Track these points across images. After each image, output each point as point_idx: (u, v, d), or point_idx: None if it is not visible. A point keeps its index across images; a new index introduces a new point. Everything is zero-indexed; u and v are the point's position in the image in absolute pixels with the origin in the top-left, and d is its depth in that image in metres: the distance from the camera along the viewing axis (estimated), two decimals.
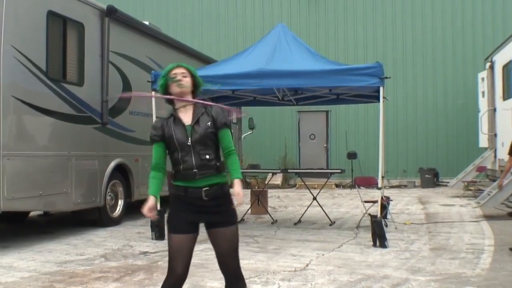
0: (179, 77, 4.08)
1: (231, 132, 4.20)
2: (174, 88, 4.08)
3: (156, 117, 9.60)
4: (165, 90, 4.16)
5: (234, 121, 17.66)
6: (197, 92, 4.22)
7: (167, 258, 3.98)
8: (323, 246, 8.56)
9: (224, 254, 3.97)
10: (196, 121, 4.02)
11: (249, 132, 18.08)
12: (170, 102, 4.19)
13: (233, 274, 4.00)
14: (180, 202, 3.99)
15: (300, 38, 11.24)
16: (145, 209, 4.03)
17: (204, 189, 3.93)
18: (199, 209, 3.95)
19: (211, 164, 3.98)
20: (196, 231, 3.99)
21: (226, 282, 4.05)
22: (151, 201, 4.05)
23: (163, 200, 9.23)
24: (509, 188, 11.98)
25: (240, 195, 4.00)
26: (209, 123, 4.02)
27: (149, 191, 4.08)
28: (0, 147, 8.00)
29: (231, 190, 4.08)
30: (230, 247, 3.97)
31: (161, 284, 4.05)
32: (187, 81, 4.11)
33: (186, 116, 4.07)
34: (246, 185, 17.83)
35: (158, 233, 9.17)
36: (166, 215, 4.09)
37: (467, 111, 20.95)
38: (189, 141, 3.96)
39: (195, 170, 3.94)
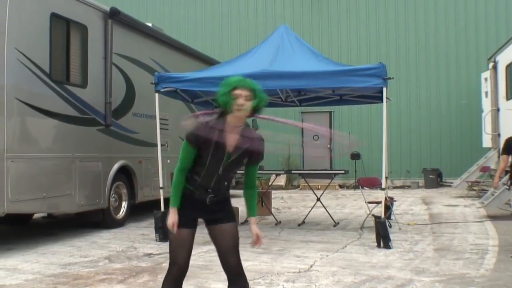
0: (241, 101, 3.76)
1: None
2: (235, 112, 3.80)
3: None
4: (227, 107, 3.83)
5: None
6: (256, 113, 3.94)
7: (169, 246, 4.03)
8: (327, 247, 8.56)
9: (226, 251, 4.03)
10: (236, 151, 3.93)
11: None
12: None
13: (235, 271, 4.03)
14: (184, 199, 4.02)
15: (303, 39, 11.25)
16: (172, 225, 3.95)
17: (210, 196, 4.01)
18: (200, 207, 4.03)
19: (225, 187, 4.09)
20: (196, 226, 4.09)
21: (228, 280, 4.08)
22: (175, 214, 3.97)
23: (166, 202, 9.27)
24: None
25: (260, 237, 4.11)
26: (245, 160, 4.03)
27: (172, 202, 3.98)
28: (4, 149, 8.02)
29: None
30: (231, 243, 4.03)
31: None
32: (247, 106, 3.80)
33: (231, 138, 3.90)
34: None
35: (162, 235, 9.18)
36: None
37: (471, 111, 20.94)
38: (221, 170, 3.96)
39: (209, 191, 3.99)
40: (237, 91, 3.79)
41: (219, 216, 4.05)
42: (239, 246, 4.09)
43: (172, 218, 3.96)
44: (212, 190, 4.00)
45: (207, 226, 4.10)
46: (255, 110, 3.87)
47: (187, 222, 4.00)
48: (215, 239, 4.06)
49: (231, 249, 4.02)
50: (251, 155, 4.03)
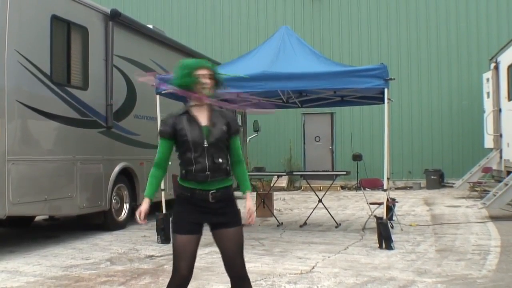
0: (206, 80, 3.98)
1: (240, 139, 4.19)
2: (200, 90, 3.98)
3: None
4: (187, 89, 4.03)
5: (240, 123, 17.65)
6: (216, 90, 4.14)
7: (172, 253, 3.98)
8: (329, 248, 8.54)
9: (230, 255, 3.96)
10: (213, 122, 3.99)
11: (254, 135, 18.07)
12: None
13: (239, 275, 3.98)
14: (185, 202, 3.98)
15: (304, 40, 11.24)
16: (139, 213, 4.04)
17: (211, 192, 3.94)
18: (204, 210, 3.96)
19: (223, 168, 4.00)
20: (200, 232, 4.00)
21: (232, 284, 4.03)
22: (145, 204, 4.08)
23: (168, 204, 9.25)
24: None
25: (252, 213, 4.13)
26: (224, 127, 4.00)
27: (146, 192, 4.11)
28: (5, 151, 8.01)
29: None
30: (235, 247, 3.97)
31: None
32: (211, 83, 4.03)
33: (201, 116, 4.02)
34: (252, 188, 17.81)
35: (163, 237, 9.16)
36: (171, 219, 4.07)
37: (472, 112, 20.93)
38: (205, 142, 3.93)
39: (208, 173, 3.93)
40: (200, 71, 3.98)
41: (223, 220, 3.97)
42: (243, 250, 4.04)
43: (142, 206, 4.05)
44: (210, 171, 3.92)
45: (211, 230, 4.03)
46: (215, 87, 4.10)
47: (189, 228, 3.94)
48: (220, 243, 4.00)
49: (235, 253, 3.96)
50: (228, 124, 4.04)
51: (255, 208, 4.16)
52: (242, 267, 3.99)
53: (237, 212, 4.10)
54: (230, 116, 4.10)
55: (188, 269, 3.93)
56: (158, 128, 4.06)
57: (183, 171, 4.01)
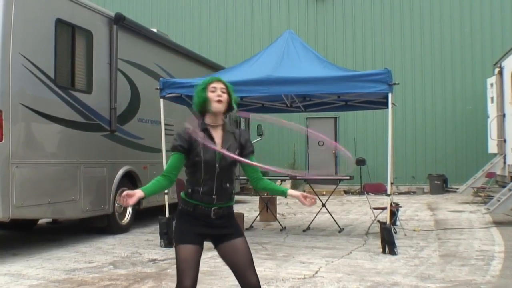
0: (219, 92, 3.90)
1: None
2: (214, 104, 3.89)
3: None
4: (203, 105, 3.96)
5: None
6: (229, 112, 4.03)
7: (176, 266, 3.94)
8: (332, 253, 8.53)
9: (243, 268, 3.87)
10: (226, 147, 3.91)
11: (257, 139, 18.05)
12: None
13: (255, 286, 3.86)
14: (187, 215, 3.93)
15: (308, 44, 11.24)
16: (126, 193, 3.72)
17: (213, 208, 3.89)
18: (205, 223, 3.90)
19: (229, 192, 3.97)
20: (202, 244, 3.92)
21: None
22: (137, 191, 3.78)
23: (171, 208, 9.25)
24: None
25: (307, 195, 4.10)
26: (237, 152, 3.94)
27: (143, 187, 3.90)
28: (9, 154, 8.02)
29: (289, 191, 4.17)
30: (245, 258, 3.89)
31: None
32: (225, 98, 3.92)
33: (216, 137, 3.94)
34: (255, 192, 17.82)
35: (167, 240, 9.16)
36: (174, 233, 4.01)
37: (476, 117, 20.91)
38: (217, 168, 3.88)
39: (214, 197, 3.89)
40: (213, 85, 3.95)
41: (227, 232, 3.92)
42: (253, 261, 3.95)
43: (131, 191, 3.74)
44: (217, 195, 3.87)
45: (216, 246, 3.95)
46: (229, 105, 3.99)
47: (192, 238, 3.86)
48: (229, 257, 3.91)
49: (248, 266, 3.87)
50: (241, 146, 4.00)
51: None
52: (257, 278, 3.88)
53: (238, 225, 4.05)
54: (243, 137, 4.04)
55: (193, 281, 3.81)
56: (173, 142, 3.91)
57: (189, 190, 3.94)
